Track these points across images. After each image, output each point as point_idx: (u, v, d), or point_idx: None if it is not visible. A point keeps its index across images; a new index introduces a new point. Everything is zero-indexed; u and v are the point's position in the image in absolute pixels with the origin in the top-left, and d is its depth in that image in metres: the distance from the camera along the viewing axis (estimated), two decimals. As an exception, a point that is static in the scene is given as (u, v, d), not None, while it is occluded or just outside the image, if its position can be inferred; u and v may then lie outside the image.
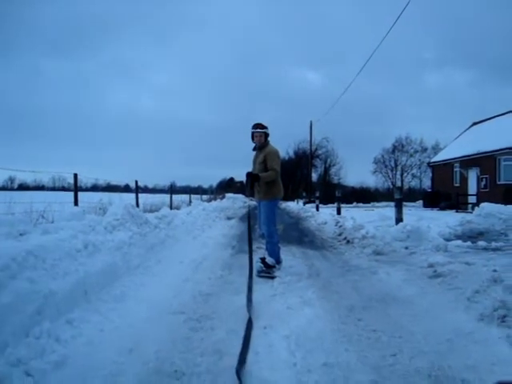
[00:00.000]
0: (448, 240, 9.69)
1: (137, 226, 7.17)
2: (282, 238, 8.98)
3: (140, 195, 13.41)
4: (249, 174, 6.75)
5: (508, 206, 15.27)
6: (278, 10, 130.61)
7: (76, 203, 8.59)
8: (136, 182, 13.18)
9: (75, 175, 8.73)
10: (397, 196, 11.02)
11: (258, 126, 6.91)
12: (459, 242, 9.83)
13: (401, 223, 10.08)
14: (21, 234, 4.62)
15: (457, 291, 4.93)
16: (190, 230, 11.01)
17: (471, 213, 15.67)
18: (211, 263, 7.18)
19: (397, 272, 6.32)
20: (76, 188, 8.75)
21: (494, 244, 9.54)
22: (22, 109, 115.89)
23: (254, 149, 7.13)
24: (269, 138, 7.02)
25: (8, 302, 3.19)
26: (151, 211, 11.83)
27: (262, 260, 6.61)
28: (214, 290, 5.36)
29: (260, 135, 6.87)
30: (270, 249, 6.77)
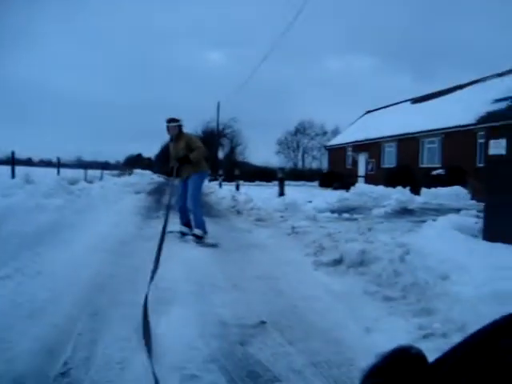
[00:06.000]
0: (321, 212, 11.91)
1: (66, 194, 8.94)
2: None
3: (46, 169, 14.66)
4: (180, 159, 7.37)
5: (378, 186, 18.06)
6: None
7: (13, 176, 10.13)
8: (58, 158, 14.66)
9: (13, 152, 10.30)
10: (279, 175, 13.42)
11: (171, 120, 7.51)
12: (328, 213, 11.95)
13: (282, 197, 12.38)
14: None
15: (301, 241, 7.21)
16: (105, 200, 12.65)
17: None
18: (126, 224, 9.07)
19: (267, 232, 8.52)
20: (13, 163, 10.30)
21: (355, 216, 11.82)
22: None
23: (171, 140, 7.82)
24: (183, 128, 7.68)
25: (3, 236, 5.11)
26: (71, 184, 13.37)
27: (193, 235, 7.39)
28: (130, 239, 7.36)
29: (174, 128, 7.50)
30: (197, 221, 7.40)
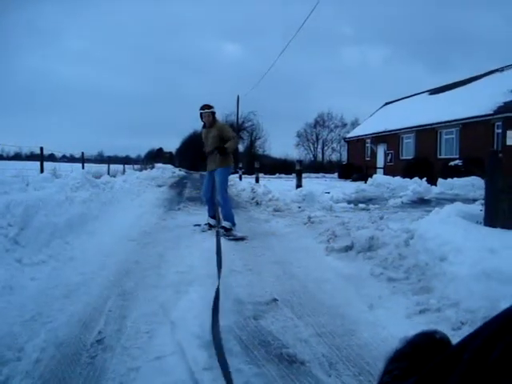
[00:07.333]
0: (337, 203, 12.13)
1: (92, 187, 9.40)
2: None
3: (70, 164, 15.13)
4: (219, 150, 7.26)
5: (395, 177, 18.26)
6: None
7: (42, 171, 10.66)
8: (82, 153, 15.19)
9: (41, 148, 10.83)
10: (297, 167, 13.63)
11: (205, 106, 7.47)
12: (345, 204, 12.24)
13: (299, 188, 12.65)
14: (22, 190, 6.82)
15: (315, 230, 7.51)
16: (129, 193, 13.15)
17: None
18: (149, 216, 9.51)
19: (284, 221, 8.84)
20: (42, 159, 10.84)
21: (370, 206, 12.09)
22: None
23: (204, 126, 7.78)
24: (216, 116, 7.68)
25: (37, 225, 5.52)
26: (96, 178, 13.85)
27: (221, 227, 7.21)
28: (153, 230, 7.76)
29: (208, 115, 7.45)
30: (225, 213, 7.43)
